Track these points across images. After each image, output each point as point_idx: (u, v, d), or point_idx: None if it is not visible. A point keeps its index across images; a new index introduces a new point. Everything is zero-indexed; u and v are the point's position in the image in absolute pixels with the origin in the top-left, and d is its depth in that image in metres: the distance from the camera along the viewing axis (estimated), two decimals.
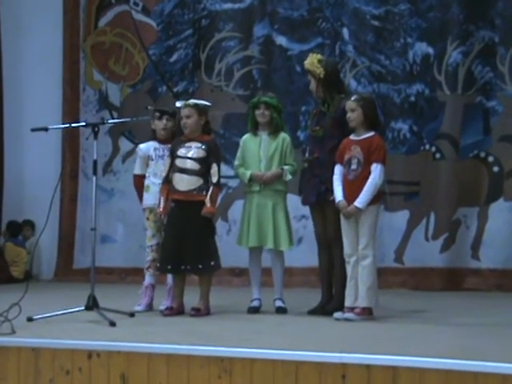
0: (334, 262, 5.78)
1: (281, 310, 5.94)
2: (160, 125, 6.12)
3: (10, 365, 4.48)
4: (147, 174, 6.15)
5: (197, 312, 5.74)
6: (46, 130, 5.70)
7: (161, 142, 6.15)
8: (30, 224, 9.70)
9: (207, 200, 5.71)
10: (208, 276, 5.86)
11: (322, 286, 5.92)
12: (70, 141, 9.73)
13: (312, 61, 5.91)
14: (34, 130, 5.72)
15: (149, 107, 6.48)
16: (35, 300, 5.99)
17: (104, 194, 9.17)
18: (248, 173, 6.02)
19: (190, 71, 9.28)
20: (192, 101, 5.95)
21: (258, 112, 6.04)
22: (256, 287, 6.06)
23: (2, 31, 9.69)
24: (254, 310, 5.94)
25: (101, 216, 8.12)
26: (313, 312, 5.78)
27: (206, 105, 5.94)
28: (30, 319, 5.20)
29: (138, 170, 6.27)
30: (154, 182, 6.07)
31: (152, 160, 6.12)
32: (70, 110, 9.71)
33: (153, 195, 6.04)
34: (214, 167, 5.80)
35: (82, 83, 9.85)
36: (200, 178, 5.77)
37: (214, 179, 5.78)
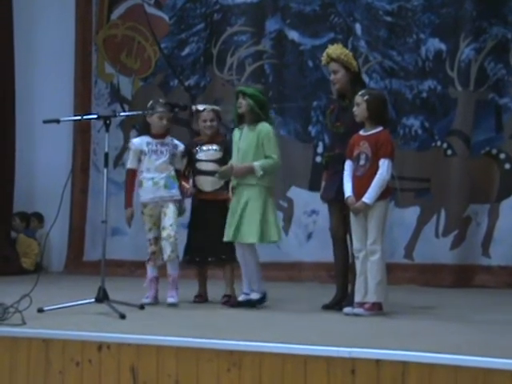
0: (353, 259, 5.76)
1: (243, 304, 5.81)
2: (159, 123, 6.15)
3: (21, 356, 4.51)
4: (140, 170, 6.16)
5: (229, 298, 6.10)
6: (57, 121, 5.72)
7: (154, 136, 6.19)
8: (37, 216, 9.73)
9: (230, 194, 6.04)
10: (231, 266, 6.16)
11: (338, 282, 5.91)
12: (82, 134, 9.77)
13: (346, 52, 5.87)
14: (46, 121, 5.74)
15: (160, 100, 6.49)
16: (46, 291, 6.01)
17: (115, 186, 9.16)
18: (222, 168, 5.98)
19: (202, 65, 9.30)
20: (213, 106, 6.41)
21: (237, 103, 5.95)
22: (244, 281, 5.94)
23: (15, 24, 9.71)
24: (239, 304, 5.87)
25: (111, 209, 8.10)
26: (327, 307, 5.75)
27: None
28: (40, 310, 5.23)
29: (130, 165, 6.23)
30: (146, 178, 6.10)
31: (145, 155, 6.13)
32: (82, 103, 9.74)
33: (147, 190, 6.09)
34: None
35: (94, 76, 9.88)
36: None
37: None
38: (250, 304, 5.81)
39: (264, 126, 5.86)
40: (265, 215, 5.80)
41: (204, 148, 6.29)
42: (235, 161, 5.92)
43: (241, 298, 5.92)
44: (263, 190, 5.84)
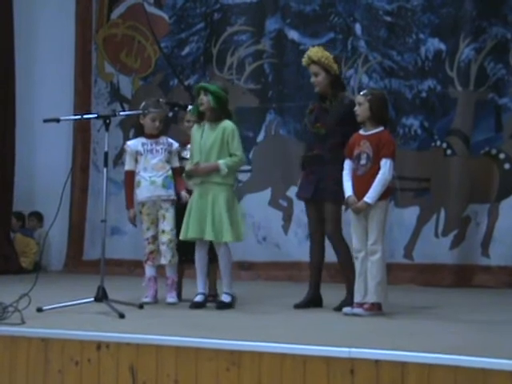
0: (340, 260, 5.79)
1: (221, 305, 5.76)
2: (152, 124, 6.18)
3: (20, 355, 4.51)
4: (137, 170, 6.19)
5: (213, 298, 6.09)
6: (57, 121, 5.73)
7: (148, 137, 6.22)
8: (36, 215, 9.73)
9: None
10: (215, 265, 6.12)
11: (311, 281, 5.96)
12: (81, 133, 9.78)
13: (327, 55, 5.85)
14: (46, 120, 5.75)
15: (160, 100, 6.50)
16: (45, 291, 6.02)
17: (114, 186, 9.17)
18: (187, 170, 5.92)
19: (202, 64, 9.31)
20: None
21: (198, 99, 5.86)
22: (200, 281, 5.88)
23: (15, 23, 9.72)
24: (195, 306, 5.77)
25: (111, 208, 8.14)
26: (298, 306, 5.78)
27: None
28: (39, 310, 5.23)
29: (128, 167, 6.26)
30: (144, 177, 6.14)
31: (141, 155, 6.17)
32: (82, 102, 9.76)
33: (144, 190, 6.12)
34: None
35: (94, 75, 9.90)
36: None
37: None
38: (221, 307, 5.75)
39: (228, 124, 5.79)
40: (233, 213, 5.77)
41: (189, 147, 6.22)
42: (197, 159, 5.83)
43: (197, 298, 5.83)
44: (228, 188, 5.82)
